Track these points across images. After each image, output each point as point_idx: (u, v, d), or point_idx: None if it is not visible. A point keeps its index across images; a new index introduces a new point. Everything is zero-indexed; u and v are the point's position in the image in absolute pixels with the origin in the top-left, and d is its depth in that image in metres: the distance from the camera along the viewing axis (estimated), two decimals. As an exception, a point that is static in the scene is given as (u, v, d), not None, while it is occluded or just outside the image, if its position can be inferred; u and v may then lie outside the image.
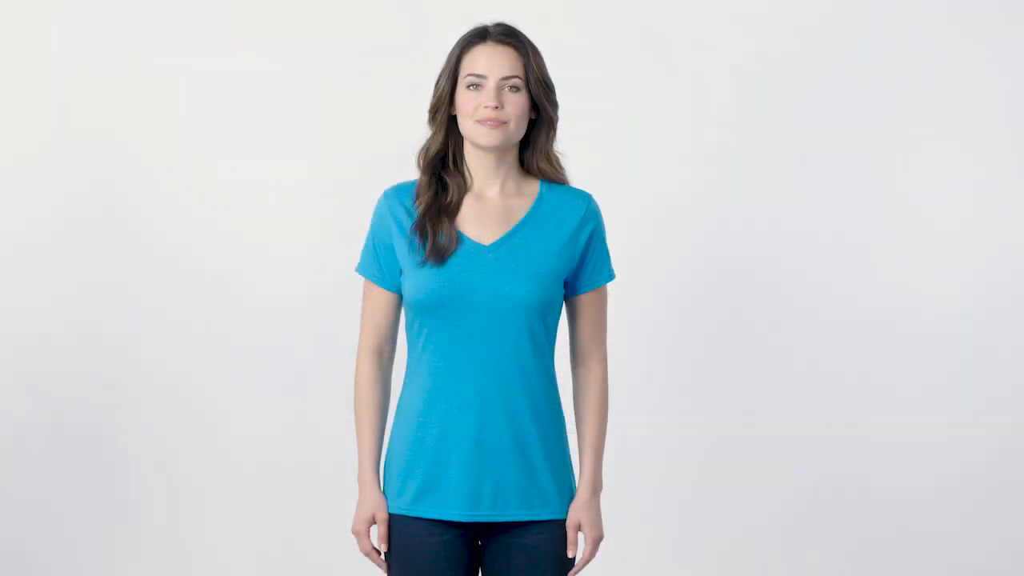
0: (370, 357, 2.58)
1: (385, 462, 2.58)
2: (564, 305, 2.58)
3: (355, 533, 2.58)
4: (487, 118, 2.48)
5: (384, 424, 2.60)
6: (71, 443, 4.04)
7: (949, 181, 3.91)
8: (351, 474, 4.03)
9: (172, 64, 4.00)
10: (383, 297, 2.58)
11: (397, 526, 2.54)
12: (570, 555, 2.56)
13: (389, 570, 2.57)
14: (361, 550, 2.59)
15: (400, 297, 2.57)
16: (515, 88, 2.50)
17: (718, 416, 3.96)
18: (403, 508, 2.52)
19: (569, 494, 2.55)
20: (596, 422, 2.58)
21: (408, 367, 2.57)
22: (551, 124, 2.56)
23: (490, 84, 2.49)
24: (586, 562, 2.58)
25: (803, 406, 3.95)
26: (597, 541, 2.57)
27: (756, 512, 3.96)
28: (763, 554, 3.97)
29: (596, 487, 2.57)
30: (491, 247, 2.50)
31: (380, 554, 2.58)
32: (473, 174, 2.55)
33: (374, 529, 2.58)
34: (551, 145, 2.57)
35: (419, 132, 2.61)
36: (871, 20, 3.91)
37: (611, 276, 2.58)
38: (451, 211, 2.52)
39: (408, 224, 2.53)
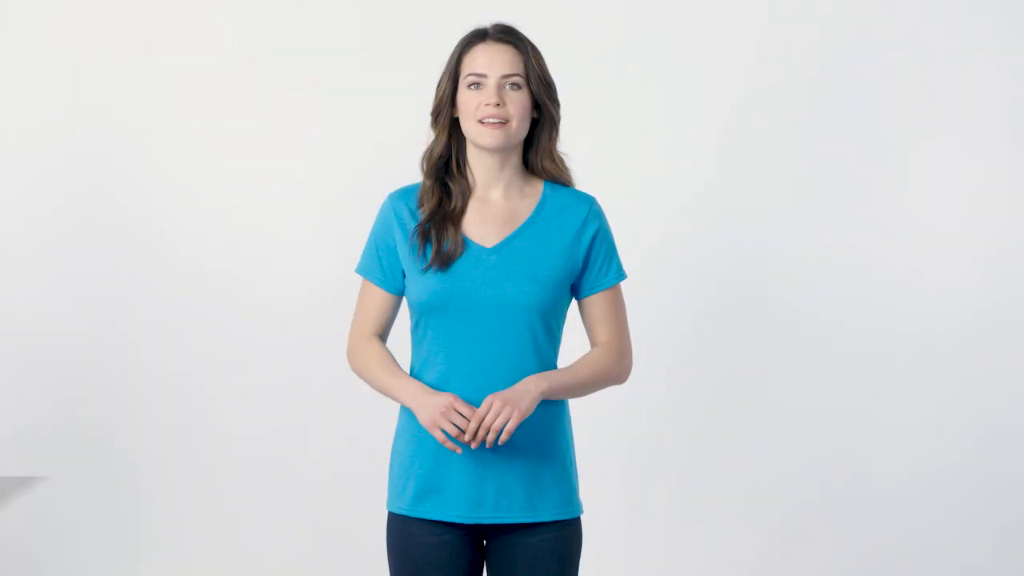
0: (368, 338, 2.57)
1: (389, 462, 2.58)
2: (579, 307, 2.58)
3: (436, 423, 2.40)
4: (488, 115, 2.47)
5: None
6: (70, 444, 4.03)
7: (953, 186, 3.91)
8: (352, 473, 4.04)
9: (173, 65, 4.01)
10: (382, 297, 2.58)
11: (399, 525, 2.53)
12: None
13: (390, 568, 2.56)
14: (446, 428, 2.40)
15: (398, 299, 2.58)
16: (516, 86, 2.49)
17: (720, 418, 3.97)
18: (404, 508, 2.52)
19: (573, 495, 2.55)
20: (586, 361, 2.52)
21: (411, 368, 2.56)
22: (553, 123, 2.55)
23: (490, 82, 2.48)
24: (481, 417, 2.39)
25: (807, 408, 3.96)
26: (506, 403, 2.39)
27: (759, 511, 3.97)
28: (765, 553, 3.97)
29: (539, 383, 2.43)
30: (493, 249, 2.50)
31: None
32: (476, 176, 2.55)
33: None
34: (554, 144, 2.56)
35: (419, 135, 2.60)
36: (871, 24, 3.91)
37: (620, 276, 2.57)
38: (456, 217, 2.51)
39: (412, 227, 2.53)
